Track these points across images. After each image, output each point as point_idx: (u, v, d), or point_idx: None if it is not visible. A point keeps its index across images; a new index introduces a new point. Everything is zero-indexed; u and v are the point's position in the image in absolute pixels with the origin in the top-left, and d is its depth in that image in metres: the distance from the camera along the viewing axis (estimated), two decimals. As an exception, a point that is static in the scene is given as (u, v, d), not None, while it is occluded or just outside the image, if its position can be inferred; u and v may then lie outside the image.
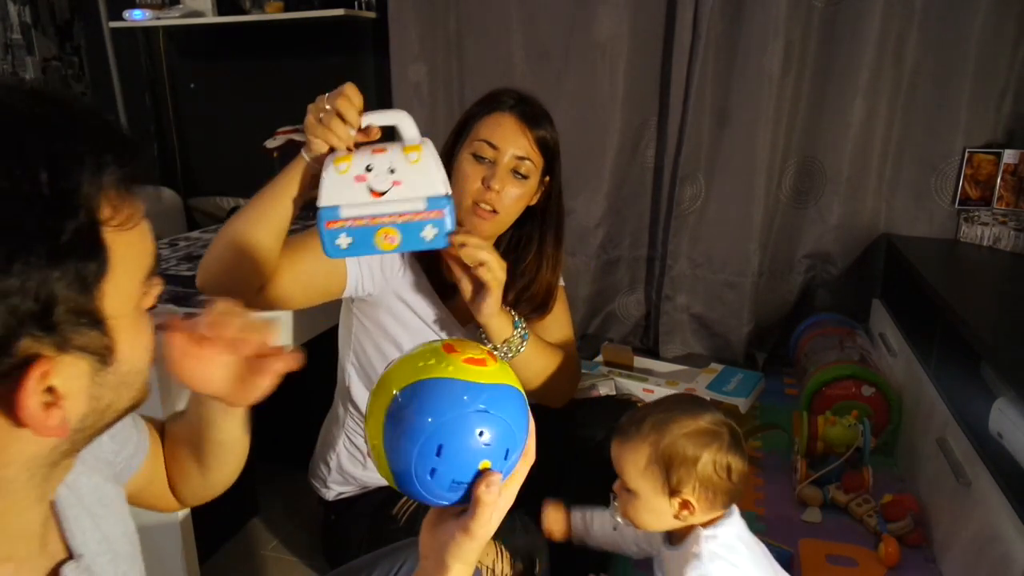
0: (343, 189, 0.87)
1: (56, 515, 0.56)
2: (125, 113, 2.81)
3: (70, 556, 0.55)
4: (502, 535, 1.11)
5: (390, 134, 0.91)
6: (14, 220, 0.39)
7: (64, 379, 0.44)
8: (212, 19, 2.45)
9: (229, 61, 2.71)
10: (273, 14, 2.38)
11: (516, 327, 1.13)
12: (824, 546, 1.40)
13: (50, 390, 0.43)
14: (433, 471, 0.55)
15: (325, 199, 0.88)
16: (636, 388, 1.96)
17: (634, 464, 0.91)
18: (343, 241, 0.88)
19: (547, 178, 1.19)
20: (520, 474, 0.61)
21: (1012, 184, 1.93)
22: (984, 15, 1.86)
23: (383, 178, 0.86)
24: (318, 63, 2.56)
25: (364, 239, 0.88)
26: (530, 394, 1.26)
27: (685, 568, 0.89)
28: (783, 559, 1.34)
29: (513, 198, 1.14)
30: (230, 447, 0.76)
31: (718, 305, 2.25)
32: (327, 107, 0.87)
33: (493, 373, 0.58)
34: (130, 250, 0.46)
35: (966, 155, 1.96)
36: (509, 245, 1.26)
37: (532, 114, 1.14)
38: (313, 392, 1.42)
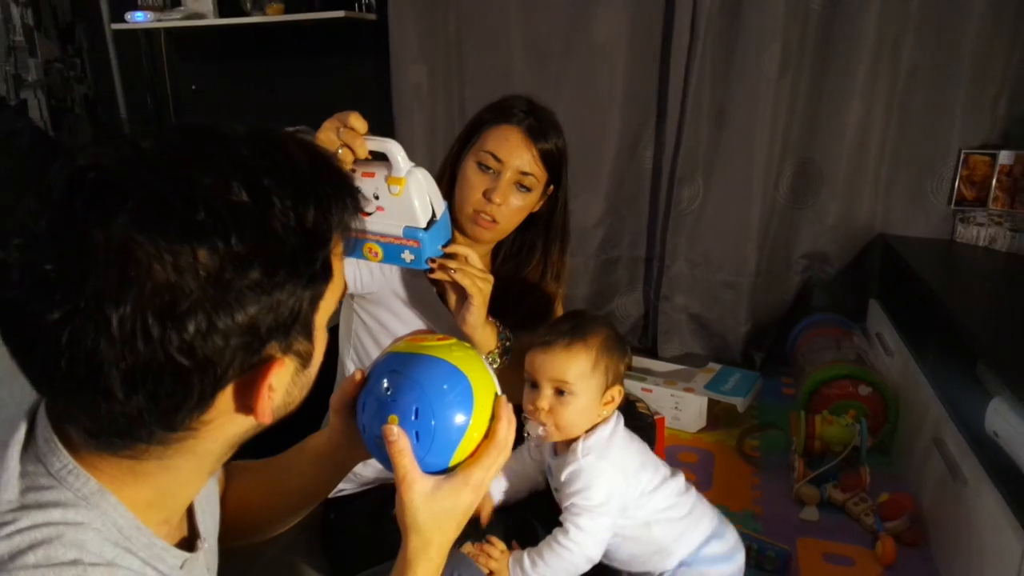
0: None
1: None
2: (127, 115, 2.82)
3: (194, 536, 0.64)
4: (502, 537, 1.12)
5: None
6: (288, 247, 0.48)
7: (278, 377, 0.52)
8: (213, 21, 2.46)
9: (230, 63, 2.72)
10: (274, 16, 2.38)
11: (500, 339, 1.15)
12: (821, 545, 1.41)
13: (271, 389, 0.52)
14: (363, 428, 0.69)
15: None
16: (635, 387, 1.97)
17: (579, 367, 0.99)
18: None
19: (551, 187, 1.20)
20: (487, 460, 0.67)
21: (1007, 185, 1.94)
22: (980, 17, 1.87)
23: (368, 201, 0.91)
24: (318, 64, 2.57)
25: (354, 248, 0.92)
26: (518, 400, 1.29)
27: (564, 468, 1.00)
28: (780, 557, 1.35)
29: (514, 209, 1.15)
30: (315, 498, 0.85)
31: (716, 305, 2.26)
32: (337, 138, 0.90)
33: (429, 347, 0.70)
34: (339, 273, 0.56)
35: (962, 156, 1.97)
36: (510, 250, 1.27)
37: (540, 128, 1.15)
38: (313, 389, 1.43)
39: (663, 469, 1.05)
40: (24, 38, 2.64)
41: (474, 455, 0.66)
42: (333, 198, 0.53)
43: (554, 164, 1.17)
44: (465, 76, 2.32)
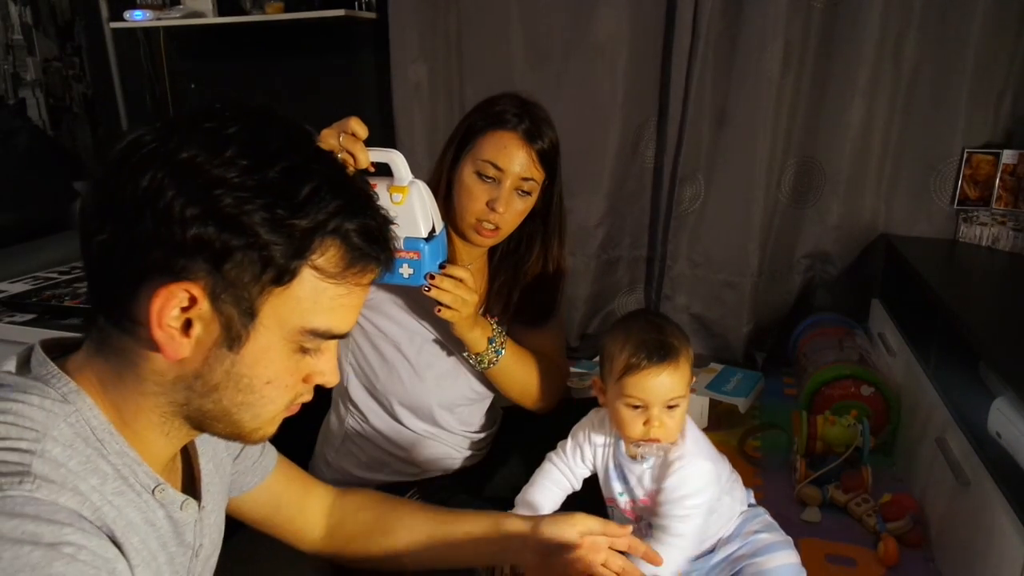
0: None
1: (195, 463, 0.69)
2: (126, 114, 2.81)
3: (195, 497, 0.66)
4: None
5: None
6: (263, 214, 0.52)
7: (199, 325, 0.54)
8: (213, 19, 2.46)
9: (230, 61, 2.72)
10: (273, 14, 2.38)
11: (491, 343, 1.16)
12: (823, 545, 1.41)
13: (187, 325, 0.54)
14: None
15: None
16: (636, 388, 1.96)
17: (685, 380, 1.04)
18: None
19: (546, 182, 1.20)
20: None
21: (1011, 184, 1.93)
22: (983, 16, 1.86)
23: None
24: (318, 63, 2.56)
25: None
26: (509, 399, 1.30)
27: (680, 466, 1.01)
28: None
29: (516, 214, 1.16)
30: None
31: (717, 305, 2.25)
32: (343, 143, 0.90)
33: None
34: (312, 294, 0.56)
35: (965, 155, 1.96)
36: (508, 247, 1.27)
37: (535, 130, 1.14)
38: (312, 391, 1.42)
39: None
40: (23, 36, 2.64)
41: None
42: (332, 205, 0.55)
43: (551, 162, 1.18)
44: (465, 75, 2.31)
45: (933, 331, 1.60)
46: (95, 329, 0.58)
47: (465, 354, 1.18)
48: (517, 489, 1.12)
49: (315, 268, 0.55)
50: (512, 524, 0.84)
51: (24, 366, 0.58)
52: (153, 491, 0.59)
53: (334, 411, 1.35)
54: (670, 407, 1.02)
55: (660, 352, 1.01)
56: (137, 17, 2.49)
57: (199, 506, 0.66)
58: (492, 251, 1.29)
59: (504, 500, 1.12)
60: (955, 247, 1.98)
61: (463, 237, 1.19)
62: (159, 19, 2.48)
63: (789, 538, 1.13)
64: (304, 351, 0.59)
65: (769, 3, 1.95)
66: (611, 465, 1.09)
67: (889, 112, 2.01)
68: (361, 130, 0.91)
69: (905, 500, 1.46)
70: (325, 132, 0.92)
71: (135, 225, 0.52)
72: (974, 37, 1.87)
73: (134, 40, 2.73)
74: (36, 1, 2.66)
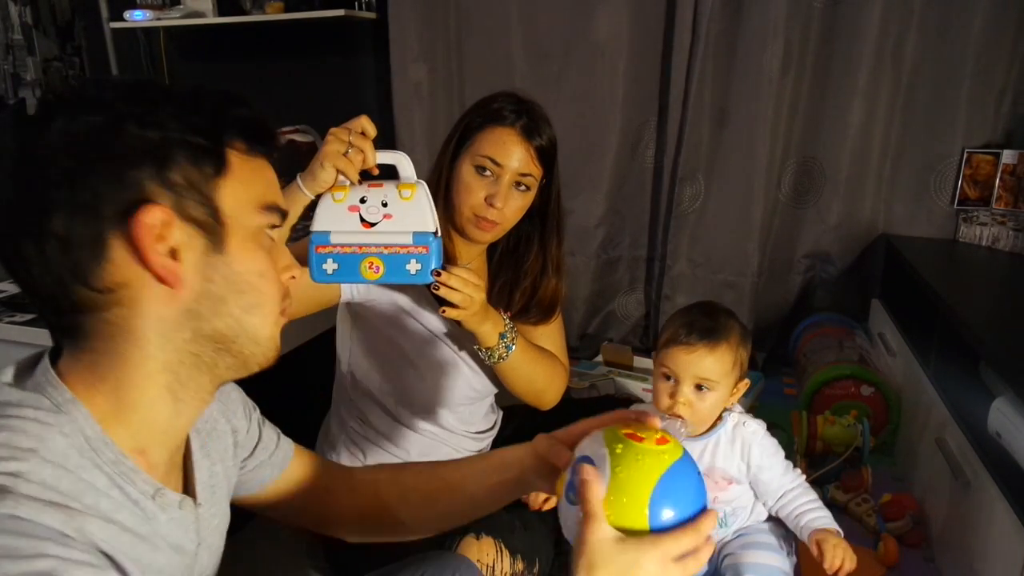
0: (336, 217, 0.93)
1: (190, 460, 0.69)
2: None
3: (191, 496, 0.66)
4: (502, 534, 1.11)
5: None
6: (177, 119, 0.57)
7: (183, 244, 0.57)
8: (213, 19, 2.45)
9: (230, 61, 2.72)
10: (273, 15, 2.38)
11: (503, 337, 1.15)
12: (823, 545, 1.40)
13: (172, 253, 0.56)
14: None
15: (318, 224, 0.93)
16: (636, 388, 1.96)
17: (723, 366, 1.08)
18: (329, 266, 0.93)
19: (544, 180, 1.20)
20: (682, 539, 0.63)
21: (1011, 184, 1.93)
22: (983, 15, 1.86)
23: (375, 210, 0.92)
24: (318, 63, 2.56)
25: (350, 266, 0.93)
26: (515, 395, 1.30)
27: (750, 442, 1.13)
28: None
29: (515, 209, 1.16)
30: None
31: (718, 305, 2.25)
32: (350, 140, 0.91)
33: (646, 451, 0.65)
34: (246, 173, 0.61)
35: (965, 155, 1.96)
36: (507, 246, 1.27)
37: (534, 127, 1.15)
38: (313, 392, 1.43)
39: None
40: (23, 36, 2.64)
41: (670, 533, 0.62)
42: (229, 105, 0.61)
43: (549, 159, 1.18)
44: (465, 75, 2.32)
45: (933, 331, 1.60)
46: (62, 334, 0.59)
47: (476, 347, 1.18)
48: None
49: (234, 149, 0.60)
50: (510, 452, 0.83)
51: (25, 373, 0.59)
52: (153, 496, 0.60)
53: (334, 412, 1.35)
54: (699, 387, 1.08)
55: (700, 331, 1.07)
56: (137, 17, 2.49)
57: (195, 503, 0.66)
58: (491, 251, 1.29)
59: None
60: (955, 247, 1.98)
61: (462, 233, 1.19)
62: (159, 19, 2.48)
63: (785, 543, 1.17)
64: (266, 239, 0.63)
65: (769, 3, 1.95)
66: None
67: (889, 112, 2.00)
68: (371, 129, 0.93)
69: (905, 500, 1.46)
70: (335, 130, 0.93)
71: (77, 191, 0.54)
72: (974, 37, 1.87)
73: (134, 40, 2.73)
74: (36, 1, 2.66)
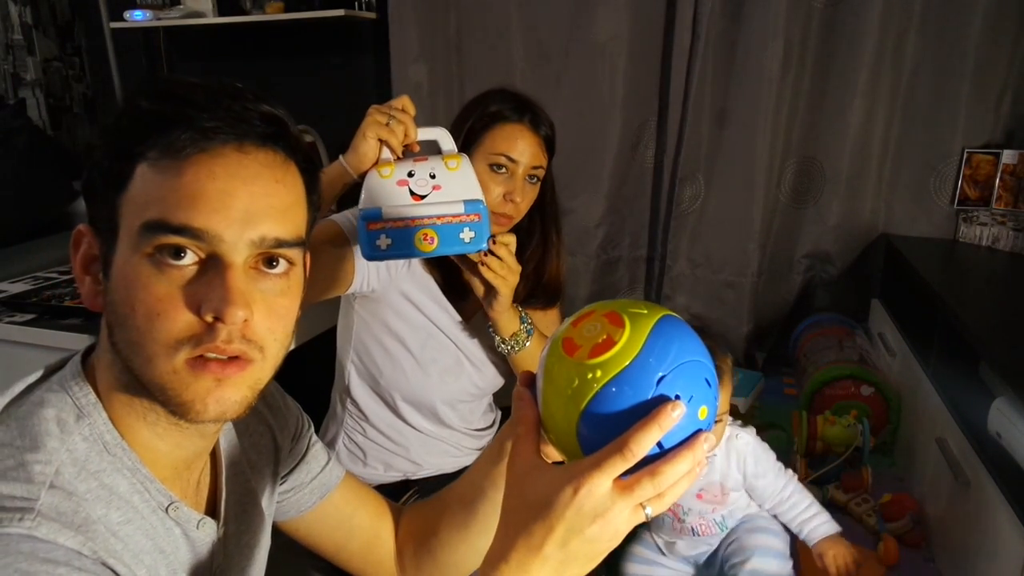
0: (386, 192, 0.92)
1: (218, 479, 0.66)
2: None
3: (215, 518, 0.64)
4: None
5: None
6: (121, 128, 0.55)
7: (91, 259, 0.56)
8: (212, 19, 2.45)
9: (229, 61, 2.72)
10: (273, 15, 2.37)
11: (523, 322, 1.17)
12: (823, 545, 1.40)
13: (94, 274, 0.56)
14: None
15: (367, 201, 0.92)
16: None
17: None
18: (383, 242, 0.91)
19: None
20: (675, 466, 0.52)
21: (1011, 184, 1.93)
22: (983, 15, 1.86)
23: (424, 182, 0.92)
24: (318, 63, 2.56)
25: (404, 240, 0.92)
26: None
27: (744, 453, 1.20)
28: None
29: (528, 202, 1.19)
30: None
31: (717, 305, 2.25)
32: (393, 114, 0.92)
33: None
34: (145, 186, 0.53)
35: (965, 155, 1.96)
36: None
37: (538, 118, 1.18)
38: (312, 391, 1.42)
39: None
40: (23, 36, 2.64)
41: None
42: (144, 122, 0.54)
43: (553, 147, 1.22)
44: (466, 75, 2.31)
45: (933, 331, 1.60)
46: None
47: (496, 340, 1.19)
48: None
49: (148, 161, 0.52)
50: (498, 435, 0.78)
51: (56, 370, 0.58)
52: (167, 509, 0.58)
53: (333, 411, 1.36)
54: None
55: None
56: (137, 17, 2.49)
57: (218, 525, 0.64)
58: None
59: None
60: (955, 247, 1.98)
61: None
62: (159, 19, 2.48)
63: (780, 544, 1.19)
64: (163, 265, 0.51)
65: (769, 3, 1.95)
66: None
67: (889, 112, 2.00)
68: (411, 107, 0.95)
69: (905, 500, 1.46)
70: (376, 107, 0.94)
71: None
72: (974, 37, 1.87)
73: (134, 40, 2.73)
74: (36, 1, 2.66)
